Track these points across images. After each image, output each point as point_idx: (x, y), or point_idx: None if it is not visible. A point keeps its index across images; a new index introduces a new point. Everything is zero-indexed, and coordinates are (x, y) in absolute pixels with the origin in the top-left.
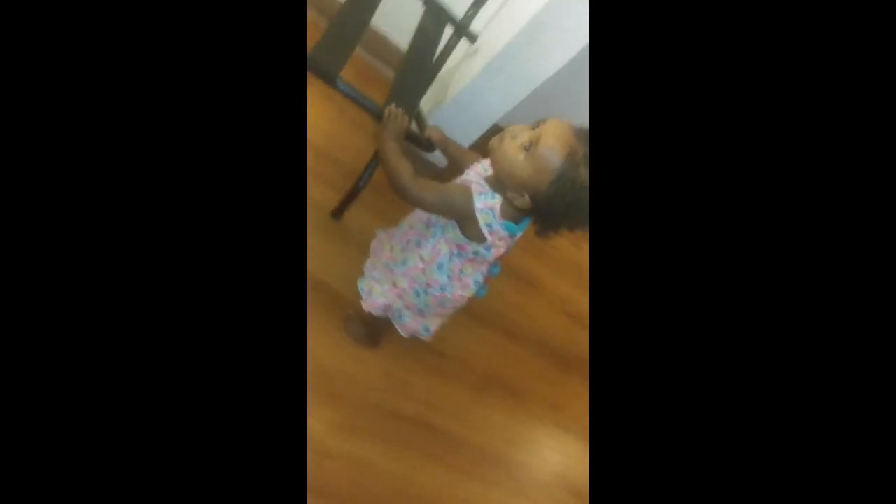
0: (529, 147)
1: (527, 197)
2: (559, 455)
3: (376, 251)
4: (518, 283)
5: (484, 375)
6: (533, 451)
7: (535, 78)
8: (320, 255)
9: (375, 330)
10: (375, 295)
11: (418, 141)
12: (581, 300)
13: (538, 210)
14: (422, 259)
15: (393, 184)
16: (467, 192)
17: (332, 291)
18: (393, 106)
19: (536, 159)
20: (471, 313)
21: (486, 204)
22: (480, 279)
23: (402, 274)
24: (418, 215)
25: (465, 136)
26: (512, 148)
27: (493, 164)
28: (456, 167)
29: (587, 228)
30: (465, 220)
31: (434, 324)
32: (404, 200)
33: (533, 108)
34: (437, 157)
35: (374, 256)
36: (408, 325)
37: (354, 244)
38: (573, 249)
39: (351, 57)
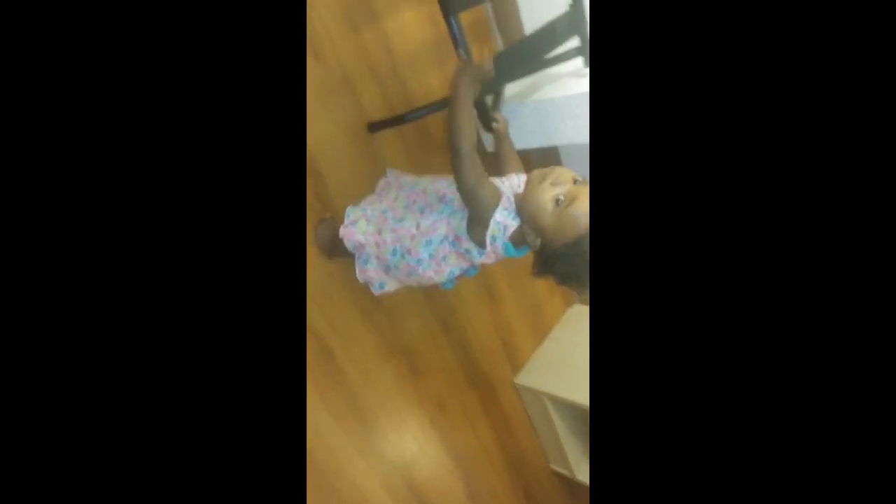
0: (562, 202)
1: (538, 241)
2: (417, 447)
3: (382, 192)
4: (481, 287)
5: (401, 342)
6: (397, 429)
7: None
8: (337, 153)
9: (340, 248)
10: (357, 229)
11: (485, 116)
12: (522, 338)
13: (542, 258)
14: (418, 226)
15: (454, 139)
16: (496, 199)
17: (325, 187)
18: (489, 55)
19: (561, 218)
20: (424, 287)
21: (504, 220)
22: (456, 273)
23: (393, 229)
24: (437, 185)
25: (524, 139)
26: (547, 194)
27: (524, 197)
28: (497, 163)
29: (575, 291)
30: (477, 221)
31: (391, 286)
32: (452, 158)
33: None
34: (488, 140)
35: (377, 196)
36: (368, 271)
37: (370, 162)
38: (546, 293)
39: (478, 6)
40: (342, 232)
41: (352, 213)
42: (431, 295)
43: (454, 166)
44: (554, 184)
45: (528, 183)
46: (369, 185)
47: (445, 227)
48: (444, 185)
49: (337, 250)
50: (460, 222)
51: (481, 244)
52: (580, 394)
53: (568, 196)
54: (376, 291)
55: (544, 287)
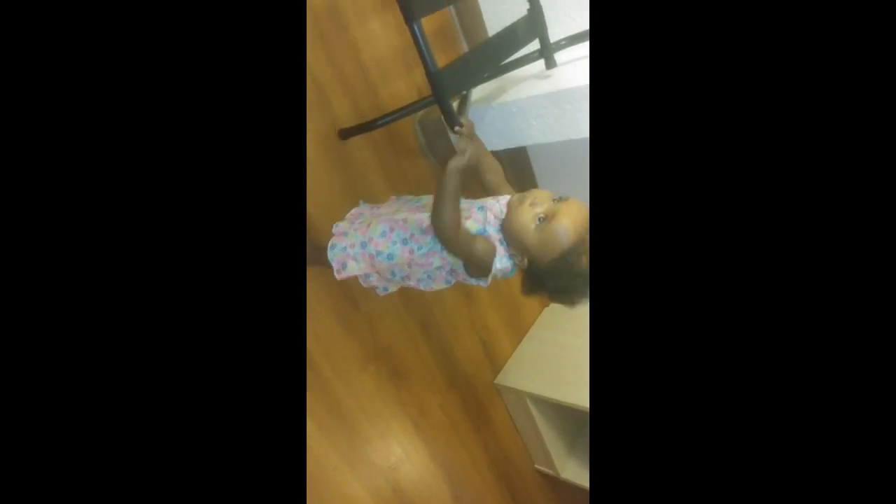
0: (543, 220)
1: (525, 261)
2: (401, 451)
3: (353, 219)
4: (458, 287)
5: (380, 346)
6: (382, 434)
7: (580, 130)
8: (309, 161)
9: (316, 256)
10: (350, 270)
11: (451, 119)
12: (501, 338)
13: (530, 276)
14: (410, 263)
15: (437, 224)
16: (491, 252)
17: None
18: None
19: (545, 234)
20: (401, 288)
21: (504, 266)
22: (452, 280)
23: (387, 265)
24: (418, 217)
25: (493, 141)
26: (527, 215)
27: (506, 222)
28: (473, 165)
29: (566, 304)
30: (479, 273)
31: (394, 287)
32: (436, 234)
33: (563, 154)
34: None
35: (349, 223)
36: (372, 282)
37: (342, 169)
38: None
39: (439, 11)
40: (339, 277)
41: (334, 257)
42: (409, 297)
43: (442, 240)
44: (532, 204)
45: (508, 208)
46: (341, 191)
47: (439, 260)
48: (426, 217)
49: (314, 259)
50: (455, 259)
51: (484, 280)
52: (561, 392)
53: (548, 213)
54: (381, 293)
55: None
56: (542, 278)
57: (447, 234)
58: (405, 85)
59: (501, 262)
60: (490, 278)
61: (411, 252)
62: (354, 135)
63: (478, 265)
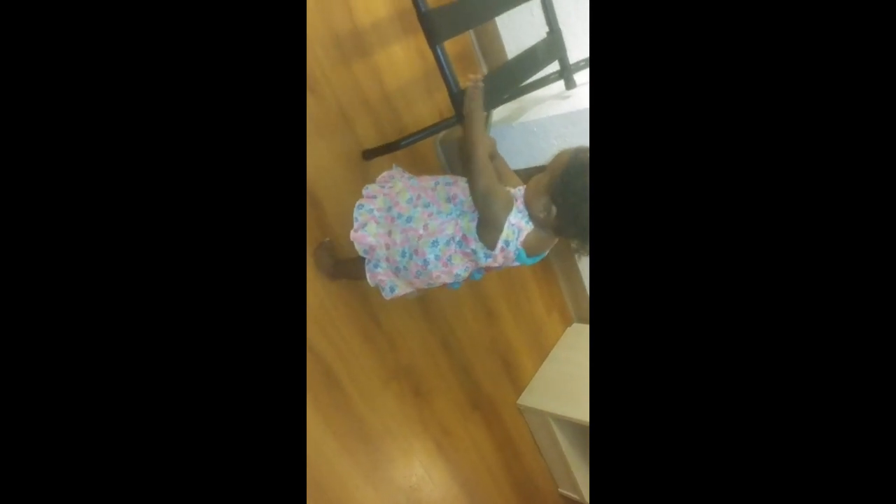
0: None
1: (553, 210)
2: (423, 471)
3: (383, 182)
4: (479, 306)
5: (402, 364)
6: (404, 452)
7: None
8: (334, 181)
9: (341, 268)
10: (368, 231)
11: None
12: (523, 358)
13: (558, 209)
14: (425, 227)
15: (469, 149)
16: (510, 203)
17: (324, 213)
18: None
19: (550, 163)
20: (423, 305)
21: (519, 222)
22: (462, 275)
23: (402, 230)
24: (449, 188)
25: (514, 160)
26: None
27: (525, 193)
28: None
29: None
30: (490, 225)
31: (402, 289)
32: (467, 165)
33: None
34: None
35: (378, 185)
36: (378, 274)
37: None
38: (544, 313)
39: (461, 34)
40: (353, 236)
41: (359, 216)
42: (431, 315)
43: (469, 172)
44: None
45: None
46: None
47: (453, 228)
48: (458, 189)
49: (340, 272)
50: (469, 223)
51: (491, 246)
52: (586, 413)
53: None
54: (387, 295)
55: (543, 306)
56: (564, 197)
57: (478, 152)
58: (426, 107)
59: (517, 216)
60: (502, 242)
61: (430, 215)
62: (378, 155)
63: (493, 215)
